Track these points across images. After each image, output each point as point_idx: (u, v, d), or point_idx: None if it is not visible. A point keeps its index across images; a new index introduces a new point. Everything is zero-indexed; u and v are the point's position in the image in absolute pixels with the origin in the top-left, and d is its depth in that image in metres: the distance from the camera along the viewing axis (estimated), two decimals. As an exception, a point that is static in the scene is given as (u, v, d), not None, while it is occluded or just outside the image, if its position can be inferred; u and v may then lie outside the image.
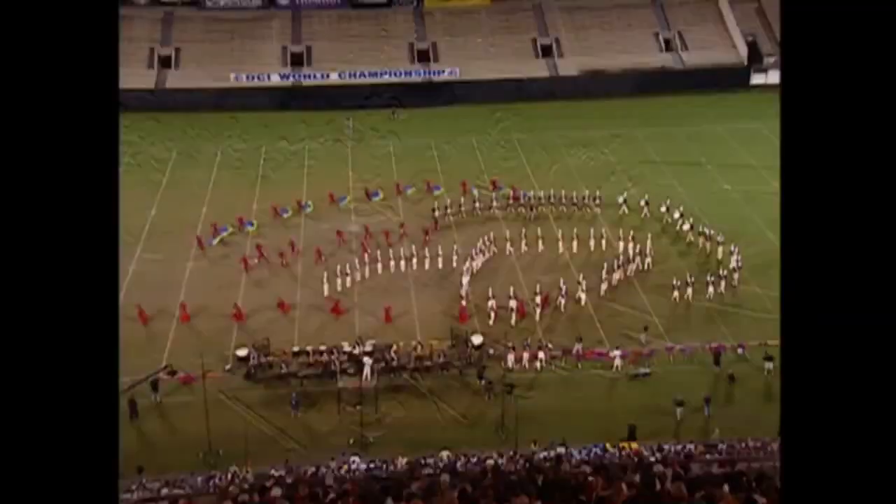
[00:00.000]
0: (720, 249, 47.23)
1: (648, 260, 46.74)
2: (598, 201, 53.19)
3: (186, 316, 43.16)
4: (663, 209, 51.93)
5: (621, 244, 47.82)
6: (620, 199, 52.86)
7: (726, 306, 43.56)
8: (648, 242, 47.67)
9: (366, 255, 47.56)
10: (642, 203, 52.37)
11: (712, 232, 48.43)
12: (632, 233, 48.71)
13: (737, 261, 45.42)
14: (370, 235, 50.18)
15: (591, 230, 49.37)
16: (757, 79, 76.77)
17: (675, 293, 43.76)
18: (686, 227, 50.29)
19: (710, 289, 43.83)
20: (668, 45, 79.88)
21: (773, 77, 75.21)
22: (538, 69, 78.03)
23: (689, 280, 44.04)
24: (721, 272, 45.18)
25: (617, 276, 45.32)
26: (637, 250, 47.14)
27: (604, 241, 48.65)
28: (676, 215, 51.14)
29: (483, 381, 37.58)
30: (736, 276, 44.91)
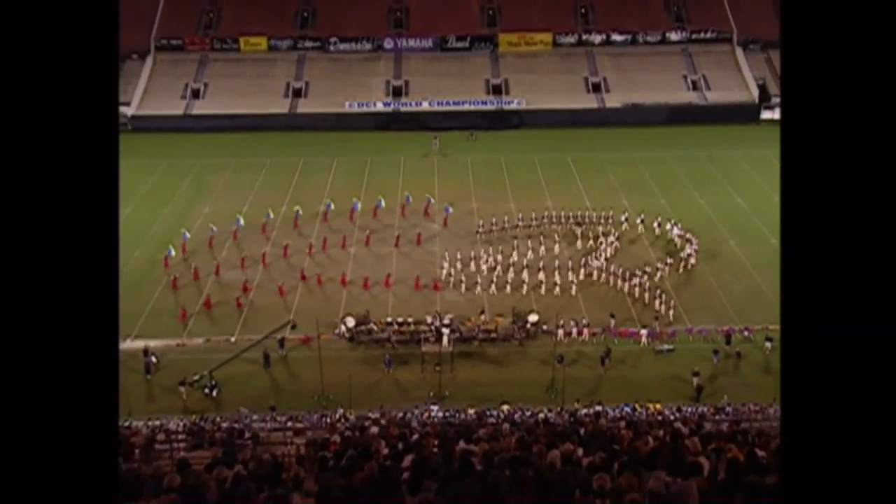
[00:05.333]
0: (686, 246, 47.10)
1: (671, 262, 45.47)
2: (641, 220, 50.32)
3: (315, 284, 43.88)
4: (668, 226, 49.67)
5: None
6: (656, 223, 50.01)
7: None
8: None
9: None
10: (668, 226, 49.98)
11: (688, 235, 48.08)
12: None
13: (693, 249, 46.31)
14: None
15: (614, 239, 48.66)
16: (766, 114, 74.72)
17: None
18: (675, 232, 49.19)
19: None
20: (694, 85, 78.29)
21: (780, 114, 73.35)
22: (589, 102, 77.06)
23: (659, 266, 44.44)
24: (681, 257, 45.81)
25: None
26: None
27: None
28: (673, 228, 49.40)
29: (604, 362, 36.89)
30: (692, 260, 45.65)
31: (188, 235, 49.24)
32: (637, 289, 42.50)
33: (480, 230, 50.07)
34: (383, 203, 53.77)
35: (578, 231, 49.17)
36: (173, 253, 47.22)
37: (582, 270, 44.23)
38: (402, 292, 43.82)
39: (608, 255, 46.06)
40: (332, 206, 53.84)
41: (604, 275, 44.13)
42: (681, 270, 45.15)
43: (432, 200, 54.70)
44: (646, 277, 42.81)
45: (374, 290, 43.52)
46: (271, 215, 52.56)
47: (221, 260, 47.32)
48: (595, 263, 44.84)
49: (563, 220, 50.67)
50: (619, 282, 43.26)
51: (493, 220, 50.54)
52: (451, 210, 52.51)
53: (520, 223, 50.32)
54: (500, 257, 45.56)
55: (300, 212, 52.78)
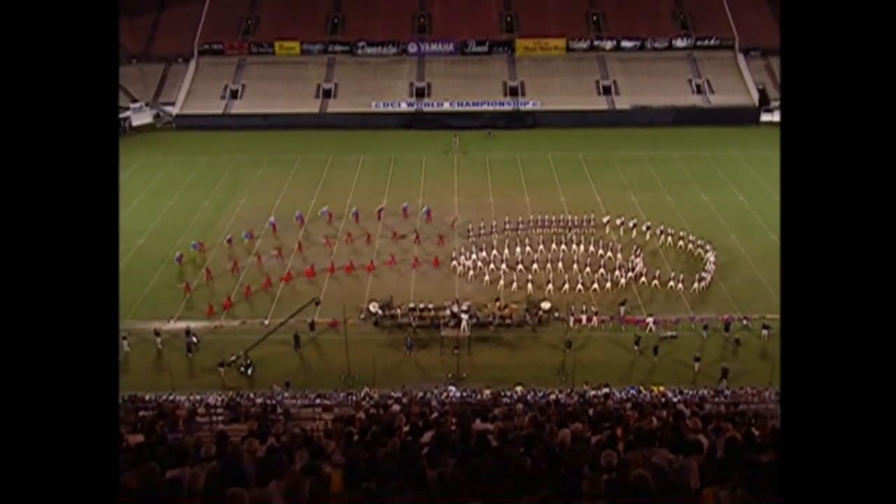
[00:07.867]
0: (706, 255, 44.98)
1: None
2: (647, 228, 48.45)
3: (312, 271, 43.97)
4: (643, 228, 48.51)
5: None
6: (659, 231, 48.04)
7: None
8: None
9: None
10: (644, 228, 49.55)
11: (702, 242, 46.25)
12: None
13: (712, 261, 43.97)
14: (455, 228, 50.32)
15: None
16: (765, 117, 73.89)
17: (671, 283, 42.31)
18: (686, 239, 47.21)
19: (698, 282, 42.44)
20: (699, 89, 77.54)
21: (778, 116, 72.11)
22: (599, 103, 76.56)
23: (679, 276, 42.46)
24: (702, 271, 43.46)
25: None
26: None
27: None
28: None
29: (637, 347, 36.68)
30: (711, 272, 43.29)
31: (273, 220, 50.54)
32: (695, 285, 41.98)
33: (471, 234, 48.65)
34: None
35: (578, 236, 47.25)
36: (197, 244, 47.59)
37: (630, 273, 43.00)
38: (424, 280, 43.88)
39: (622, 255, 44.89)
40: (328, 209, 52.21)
41: (644, 278, 42.75)
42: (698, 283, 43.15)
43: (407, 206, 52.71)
44: (707, 280, 42.42)
45: (397, 278, 43.58)
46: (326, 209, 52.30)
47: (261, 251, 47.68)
48: (640, 265, 43.75)
49: (574, 223, 49.17)
50: (678, 285, 41.81)
51: (482, 223, 49.48)
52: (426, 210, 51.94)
53: (507, 225, 48.77)
54: (517, 251, 45.31)
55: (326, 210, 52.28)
